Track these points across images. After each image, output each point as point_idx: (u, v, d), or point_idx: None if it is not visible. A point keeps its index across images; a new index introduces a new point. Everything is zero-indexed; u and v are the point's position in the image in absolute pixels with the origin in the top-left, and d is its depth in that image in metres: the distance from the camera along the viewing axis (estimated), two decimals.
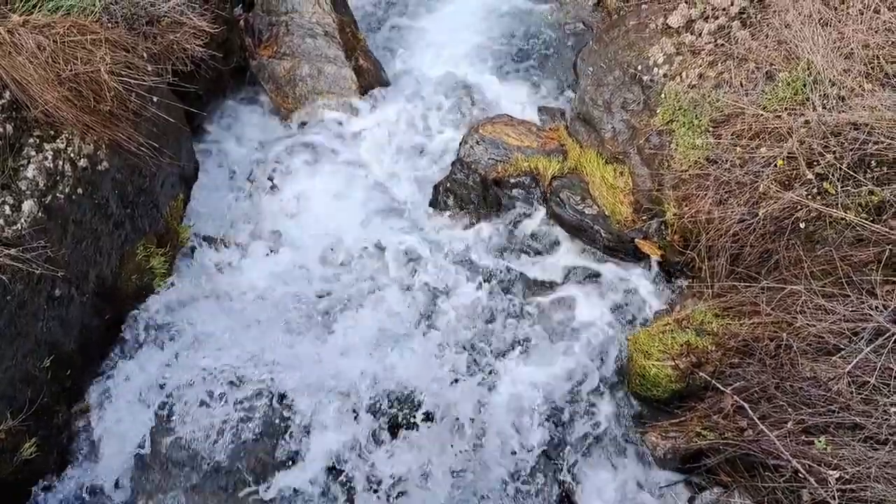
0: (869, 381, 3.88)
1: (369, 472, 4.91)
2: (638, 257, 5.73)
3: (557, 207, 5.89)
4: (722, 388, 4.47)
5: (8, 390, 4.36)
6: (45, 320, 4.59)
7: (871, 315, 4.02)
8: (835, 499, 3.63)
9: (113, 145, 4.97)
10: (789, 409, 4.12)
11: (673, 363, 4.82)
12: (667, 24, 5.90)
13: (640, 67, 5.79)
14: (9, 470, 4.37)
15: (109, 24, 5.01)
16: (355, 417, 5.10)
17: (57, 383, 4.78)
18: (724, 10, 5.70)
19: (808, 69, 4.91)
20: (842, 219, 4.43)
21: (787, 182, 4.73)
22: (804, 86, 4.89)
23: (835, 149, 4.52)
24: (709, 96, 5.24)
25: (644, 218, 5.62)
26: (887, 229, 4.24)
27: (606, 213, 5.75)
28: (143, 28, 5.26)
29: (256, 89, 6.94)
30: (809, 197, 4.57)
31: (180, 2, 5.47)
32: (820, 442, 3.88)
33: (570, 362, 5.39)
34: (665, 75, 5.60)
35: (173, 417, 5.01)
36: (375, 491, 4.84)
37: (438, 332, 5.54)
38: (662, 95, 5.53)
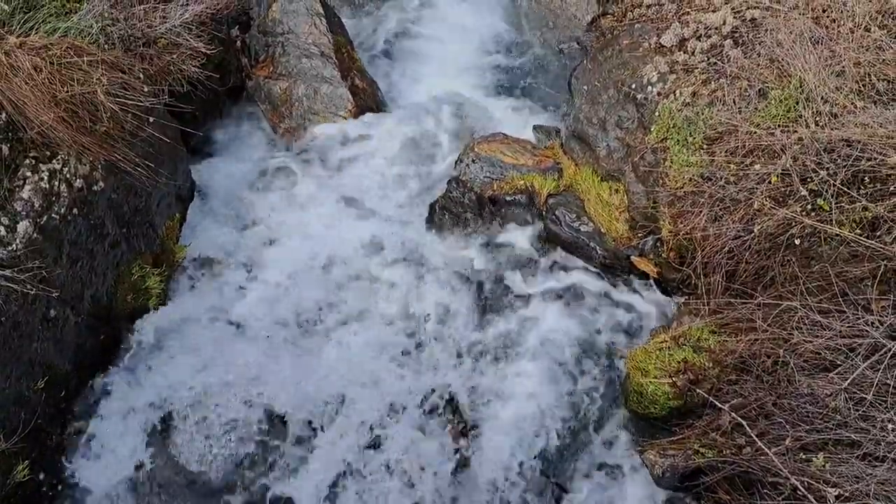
0: (866, 398, 3.86)
1: (363, 488, 4.88)
2: (634, 274, 5.73)
3: (553, 225, 5.90)
4: (720, 406, 4.45)
5: (1, 412, 4.33)
6: (40, 341, 4.57)
7: (867, 331, 4.01)
8: None
9: (109, 166, 4.98)
10: (787, 426, 4.11)
11: (670, 380, 4.81)
12: (660, 43, 5.95)
13: (633, 86, 5.83)
14: (1, 494, 4.32)
15: (106, 46, 5.04)
16: (349, 435, 5.07)
17: (51, 405, 4.76)
18: (716, 28, 5.76)
19: (801, 87, 4.95)
20: (836, 235, 4.44)
21: (781, 198, 4.74)
22: (797, 103, 4.93)
23: (828, 165, 4.55)
24: (702, 114, 5.27)
25: (640, 235, 5.63)
26: (882, 245, 4.25)
27: (602, 230, 5.76)
28: (140, 49, 5.30)
29: (253, 109, 6.97)
30: (804, 213, 4.59)
31: (177, 23, 5.52)
32: (818, 459, 3.86)
33: (565, 379, 5.36)
34: (659, 93, 5.64)
35: (168, 439, 4.98)
36: None
37: (434, 347, 5.52)
38: (656, 113, 5.57)
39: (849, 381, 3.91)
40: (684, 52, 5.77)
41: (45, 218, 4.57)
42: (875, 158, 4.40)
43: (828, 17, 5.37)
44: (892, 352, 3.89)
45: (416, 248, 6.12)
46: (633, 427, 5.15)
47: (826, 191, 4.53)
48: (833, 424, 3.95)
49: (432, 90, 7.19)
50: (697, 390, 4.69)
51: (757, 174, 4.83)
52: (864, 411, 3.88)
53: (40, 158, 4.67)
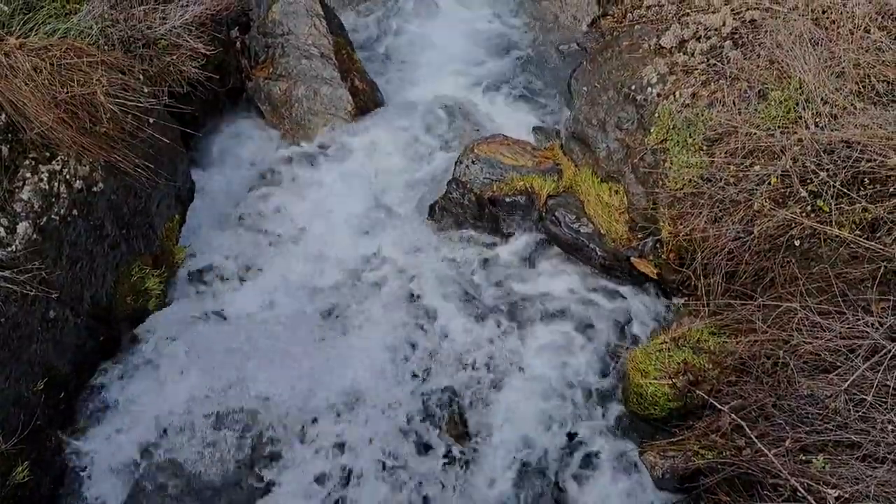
0: (866, 399, 3.86)
1: (364, 489, 4.88)
2: (634, 276, 5.73)
3: (553, 226, 5.90)
4: (719, 407, 4.44)
5: (1, 413, 4.33)
6: (39, 342, 4.57)
7: (867, 332, 4.01)
8: None
9: (109, 167, 4.98)
10: (787, 428, 4.10)
11: (670, 382, 4.81)
12: (660, 45, 5.95)
13: (633, 87, 5.83)
14: (1, 494, 4.32)
15: (106, 47, 5.05)
16: (349, 436, 5.07)
17: (50, 406, 4.75)
18: (716, 30, 5.76)
19: (800, 88, 4.95)
20: (836, 236, 4.44)
21: (781, 200, 4.74)
22: (796, 104, 4.93)
23: (828, 166, 4.55)
24: (702, 115, 5.27)
25: (639, 236, 5.63)
26: (881, 246, 4.25)
27: (602, 231, 5.76)
28: (140, 51, 5.31)
29: (252, 110, 6.97)
30: (804, 214, 4.59)
31: (177, 24, 5.52)
32: (818, 460, 3.86)
33: (565, 380, 5.36)
34: (658, 94, 5.64)
35: (167, 440, 4.97)
36: None
37: (434, 348, 5.52)
38: (656, 114, 5.57)
39: (849, 382, 3.91)
40: (684, 54, 5.78)
41: (44, 219, 4.57)
42: (875, 160, 4.40)
43: (827, 18, 5.37)
44: (891, 353, 3.89)
45: (416, 250, 6.12)
46: (632, 428, 5.15)
47: (826, 192, 4.53)
48: (833, 426, 3.94)
49: (432, 91, 7.19)
50: (697, 391, 4.68)
51: (757, 175, 4.83)
52: (864, 412, 3.87)
53: (40, 159, 4.67)
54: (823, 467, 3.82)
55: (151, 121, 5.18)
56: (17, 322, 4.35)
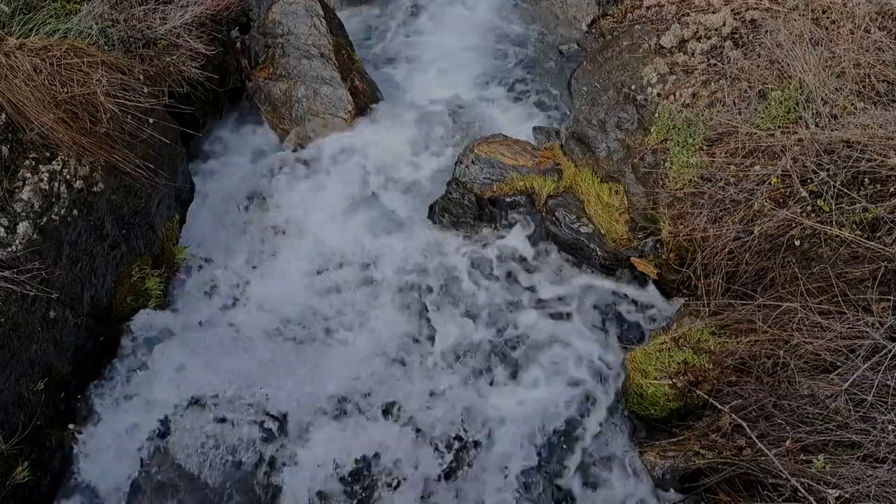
0: (866, 399, 3.86)
1: (361, 490, 4.87)
2: (634, 276, 5.73)
3: (553, 226, 5.90)
4: (720, 407, 4.45)
5: (1, 413, 4.33)
6: (40, 342, 4.57)
7: (867, 332, 4.01)
8: None
9: (109, 167, 4.98)
10: (787, 428, 4.10)
11: (670, 382, 4.81)
12: (660, 45, 5.95)
13: (633, 87, 5.83)
14: (1, 495, 4.32)
15: (106, 47, 5.05)
16: (348, 437, 5.07)
17: (50, 406, 4.75)
18: (716, 30, 5.76)
19: (801, 88, 4.95)
20: (836, 236, 4.44)
21: (781, 200, 4.74)
22: (796, 104, 4.93)
23: (828, 166, 4.55)
24: (702, 115, 5.27)
25: (639, 236, 5.63)
26: (882, 246, 4.25)
27: (602, 231, 5.76)
28: (140, 51, 5.32)
29: (252, 110, 6.97)
30: (804, 214, 4.59)
31: (177, 25, 5.53)
32: (819, 460, 3.86)
33: (566, 381, 5.36)
34: (659, 94, 5.64)
35: (167, 439, 4.97)
36: None
37: (433, 350, 5.52)
38: (656, 114, 5.57)
39: (849, 382, 3.91)
40: (684, 54, 5.77)
41: (44, 219, 4.57)
42: (875, 160, 4.40)
43: (828, 18, 5.37)
44: (892, 353, 3.89)
45: (416, 251, 6.11)
46: (632, 428, 5.15)
47: (826, 192, 4.53)
48: (833, 426, 3.94)
49: (432, 91, 7.19)
50: (697, 392, 4.68)
51: (757, 175, 4.83)
52: (864, 413, 3.88)
53: (40, 159, 4.67)
54: (824, 467, 3.82)
55: (151, 121, 5.18)
56: (17, 322, 4.35)
